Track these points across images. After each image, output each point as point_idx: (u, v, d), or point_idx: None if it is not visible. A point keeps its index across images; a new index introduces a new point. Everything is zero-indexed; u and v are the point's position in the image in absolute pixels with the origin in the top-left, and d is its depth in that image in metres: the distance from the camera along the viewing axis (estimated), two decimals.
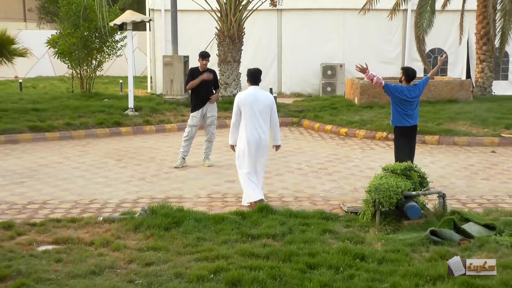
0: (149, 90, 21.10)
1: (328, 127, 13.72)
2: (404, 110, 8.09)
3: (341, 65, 19.68)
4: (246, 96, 7.44)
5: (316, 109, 15.62)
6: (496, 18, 16.97)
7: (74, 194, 8.12)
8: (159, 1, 19.82)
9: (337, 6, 20.26)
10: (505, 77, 20.55)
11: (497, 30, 17.09)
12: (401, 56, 20.50)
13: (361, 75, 8.01)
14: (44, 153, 11.02)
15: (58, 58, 18.35)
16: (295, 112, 15.52)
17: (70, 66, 18.12)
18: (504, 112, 14.02)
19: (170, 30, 17.65)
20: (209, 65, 10.11)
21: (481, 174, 9.50)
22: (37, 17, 38.15)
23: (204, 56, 9.82)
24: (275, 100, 15.23)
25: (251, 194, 7.39)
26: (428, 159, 10.62)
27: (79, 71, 17.95)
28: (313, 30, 20.32)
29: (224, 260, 5.23)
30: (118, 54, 18.77)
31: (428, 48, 18.36)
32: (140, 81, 24.78)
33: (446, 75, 19.92)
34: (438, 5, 17.59)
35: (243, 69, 14.06)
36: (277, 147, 8.00)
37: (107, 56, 18.30)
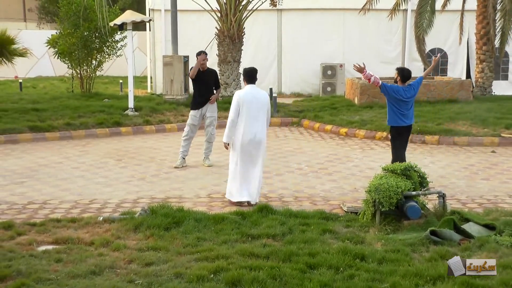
0: (149, 90, 21.10)
1: (328, 127, 13.72)
2: (400, 110, 8.16)
3: (341, 65, 19.68)
4: (245, 94, 7.54)
5: (316, 109, 15.62)
6: (496, 18, 16.97)
7: (74, 194, 8.12)
8: (159, 1, 19.81)
9: (337, 6, 20.25)
10: (505, 77, 20.54)
11: (497, 30, 17.09)
12: (401, 56, 20.50)
13: (361, 75, 8.07)
14: (44, 153, 11.02)
15: (58, 58, 18.35)
16: (295, 112, 15.52)
17: (70, 66, 18.12)
18: (504, 112, 14.02)
19: (170, 30, 17.65)
20: (209, 65, 10.11)
21: (481, 174, 9.50)
22: (37, 17, 38.15)
23: (200, 53, 9.83)
24: (275, 100, 15.46)
25: (233, 194, 7.55)
26: (428, 159, 10.62)
27: (79, 71, 17.95)
28: (313, 30, 20.32)
29: (224, 260, 5.23)
30: (118, 54, 18.77)
31: (428, 48, 18.35)
32: (140, 81, 24.78)
33: (446, 75, 19.93)
34: (438, 5, 17.59)
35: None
36: None
37: (107, 56, 18.30)
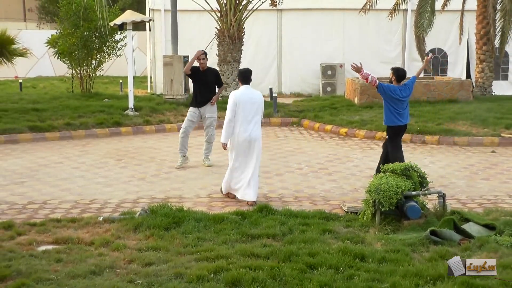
0: (149, 90, 21.10)
1: (328, 127, 13.72)
2: (397, 110, 8.33)
3: (341, 65, 19.68)
4: (241, 94, 7.68)
5: (316, 109, 15.62)
6: (496, 18, 16.97)
7: (74, 194, 8.12)
8: (159, 1, 19.81)
9: (337, 6, 20.25)
10: (505, 77, 20.54)
11: (497, 30, 17.09)
12: (401, 56, 20.50)
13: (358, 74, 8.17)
14: (44, 153, 11.02)
15: (58, 58, 18.34)
16: (295, 112, 15.52)
17: (70, 66, 18.11)
18: (504, 112, 14.02)
19: (170, 30, 17.63)
20: (209, 65, 10.10)
21: (481, 174, 9.50)
22: (37, 17, 38.14)
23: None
24: (275, 100, 15.46)
25: (225, 187, 7.91)
26: (428, 159, 10.62)
27: (79, 71, 17.95)
28: (313, 30, 20.32)
29: (224, 260, 5.23)
30: (118, 54, 18.76)
31: (428, 48, 18.33)
32: (140, 81, 24.78)
33: (446, 75, 19.93)
34: (438, 5, 17.58)
35: None
36: None
37: (107, 56, 18.29)
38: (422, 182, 6.70)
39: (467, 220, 6.36)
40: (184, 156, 9.90)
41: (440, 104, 15.09)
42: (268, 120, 14.80)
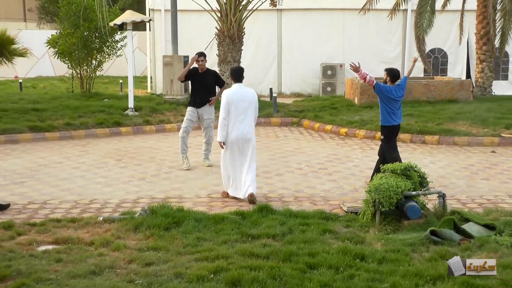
0: (149, 90, 21.09)
1: (328, 127, 13.72)
2: (392, 109, 8.47)
3: (341, 65, 19.68)
4: (233, 92, 7.74)
5: (316, 109, 15.62)
6: (496, 18, 16.96)
7: (74, 194, 8.12)
8: (159, 1, 19.81)
9: (337, 6, 20.24)
10: (505, 77, 20.54)
11: (497, 30, 17.08)
12: (401, 56, 20.49)
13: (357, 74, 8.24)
14: (44, 153, 11.02)
15: (58, 58, 18.34)
16: (295, 112, 15.52)
17: (70, 66, 18.11)
18: (504, 112, 14.02)
19: (170, 30, 17.64)
20: (209, 65, 10.09)
21: (481, 174, 9.50)
22: (37, 17, 38.14)
23: (199, 54, 9.81)
24: (275, 100, 15.46)
25: (225, 185, 7.97)
26: (428, 159, 10.62)
27: (79, 71, 17.94)
28: (313, 30, 20.31)
29: (224, 260, 5.23)
30: (118, 54, 18.76)
31: (428, 48, 18.34)
32: (140, 81, 24.78)
33: (446, 75, 19.93)
34: (438, 5, 17.58)
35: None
36: None
37: (107, 56, 18.29)
38: (422, 182, 6.70)
39: (467, 220, 6.36)
40: (186, 157, 9.89)
41: (440, 104, 15.08)
42: (268, 120, 14.80)
